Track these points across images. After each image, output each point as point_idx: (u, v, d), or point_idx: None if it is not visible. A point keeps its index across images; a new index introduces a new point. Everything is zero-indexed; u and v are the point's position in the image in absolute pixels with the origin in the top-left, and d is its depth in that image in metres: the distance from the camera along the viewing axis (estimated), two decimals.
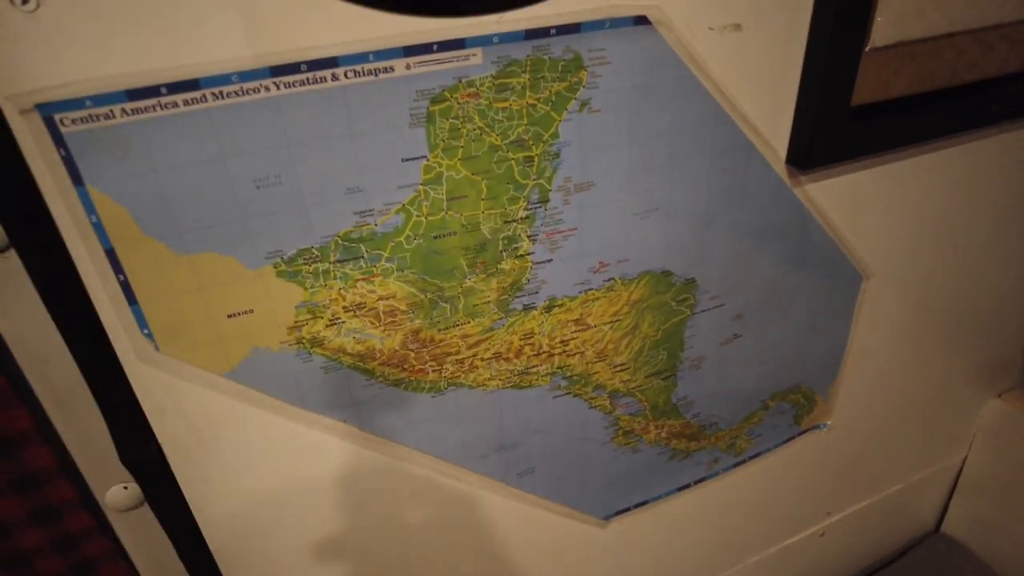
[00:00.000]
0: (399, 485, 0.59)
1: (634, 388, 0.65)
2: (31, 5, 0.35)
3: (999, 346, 1.00)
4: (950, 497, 1.16)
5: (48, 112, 0.37)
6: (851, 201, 0.66)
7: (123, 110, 0.38)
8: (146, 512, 0.56)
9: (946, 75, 0.63)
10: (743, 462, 0.80)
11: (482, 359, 0.56)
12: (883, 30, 0.56)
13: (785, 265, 0.66)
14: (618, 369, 0.63)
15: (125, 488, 0.55)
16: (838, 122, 0.58)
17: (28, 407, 0.51)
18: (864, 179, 0.66)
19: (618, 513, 0.74)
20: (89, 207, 0.40)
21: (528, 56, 0.45)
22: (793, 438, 0.83)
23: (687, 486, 0.77)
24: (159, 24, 0.37)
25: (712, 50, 0.51)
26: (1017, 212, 0.82)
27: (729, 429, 0.75)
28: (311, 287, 0.48)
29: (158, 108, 0.39)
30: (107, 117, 0.38)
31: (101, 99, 0.38)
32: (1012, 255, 0.88)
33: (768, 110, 0.56)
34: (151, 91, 0.38)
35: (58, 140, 0.38)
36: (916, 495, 1.10)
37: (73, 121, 0.38)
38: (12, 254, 0.42)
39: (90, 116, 0.38)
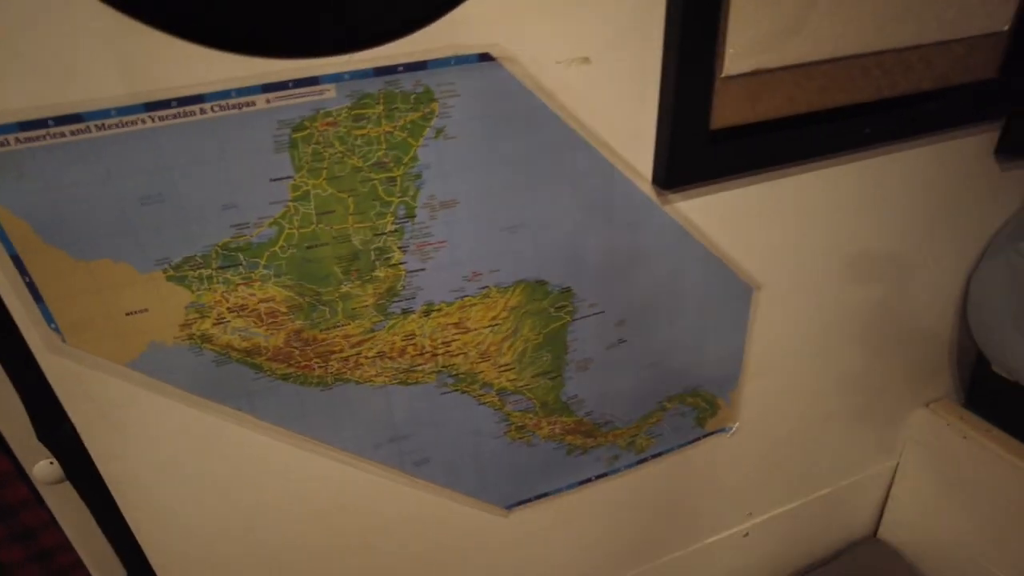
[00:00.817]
0: (296, 469, 0.66)
1: (522, 387, 0.71)
2: None
3: (921, 356, 1.03)
4: (885, 502, 1.19)
5: None
6: (728, 217, 0.71)
7: (16, 138, 0.46)
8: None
9: (813, 100, 0.68)
10: (645, 460, 0.85)
11: (366, 357, 0.63)
12: (734, 60, 0.61)
13: (665, 276, 0.72)
14: (503, 369, 0.69)
15: (51, 463, 0.62)
16: (697, 146, 0.64)
17: None
18: (740, 196, 0.71)
19: (520, 503, 0.80)
20: None
21: (380, 90, 0.52)
22: (698, 439, 0.88)
23: (588, 480, 0.82)
24: (46, 67, 0.45)
25: (562, 82, 0.57)
26: (923, 226, 0.86)
27: (626, 428, 0.81)
28: (197, 290, 0.55)
29: (47, 137, 0.46)
30: (2, 144, 0.46)
31: None
32: (922, 269, 0.92)
33: (627, 135, 0.62)
34: (40, 123, 0.46)
35: None
36: (847, 500, 1.13)
37: None
38: None
39: None
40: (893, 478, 1.16)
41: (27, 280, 0.51)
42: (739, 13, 0.59)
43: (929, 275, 0.93)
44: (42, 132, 0.46)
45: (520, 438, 0.75)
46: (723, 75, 0.62)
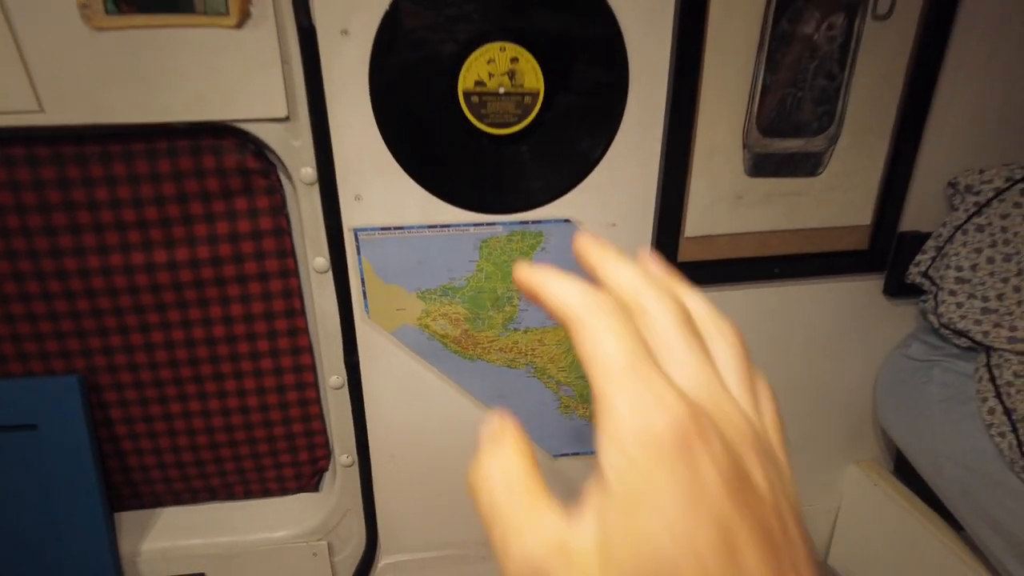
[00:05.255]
0: (454, 404, 1.32)
1: (570, 382, 1.34)
2: (362, 200, 1.16)
3: (846, 423, 1.53)
4: (833, 534, 1.64)
5: (355, 231, 1.18)
6: None
7: (378, 233, 1.18)
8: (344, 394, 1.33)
9: (741, 251, 1.29)
10: None
11: (493, 350, 1.29)
12: (691, 228, 1.24)
13: None
14: (561, 369, 1.33)
15: (338, 378, 1.32)
16: None
17: (308, 337, 1.31)
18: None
19: (562, 455, 1.41)
20: (360, 264, 1.20)
21: (517, 230, 1.20)
22: None
23: None
24: (395, 208, 1.17)
25: (604, 235, 1.22)
26: (831, 339, 1.41)
27: None
28: (428, 303, 1.23)
29: (389, 234, 1.18)
30: (372, 234, 1.18)
31: (371, 229, 1.17)
32: (837, 371, 1.45)
33: None
34: (387, 229, 1.18)
35: (356, 240, 1.18)
36: None
37: (363, 235, 1.18)
38: (330, 274, 1.22)
39: (368, 234, 1.18)
40: (837, 515, 1.62)
41: (363, 290, 1.22)
42: (694, 206, 1.23)
43: (843, 376, 1.46)
44: (387, 232, 1.18)
45: (566, 413, 1.37)
46: (685, 236, 1.25)
